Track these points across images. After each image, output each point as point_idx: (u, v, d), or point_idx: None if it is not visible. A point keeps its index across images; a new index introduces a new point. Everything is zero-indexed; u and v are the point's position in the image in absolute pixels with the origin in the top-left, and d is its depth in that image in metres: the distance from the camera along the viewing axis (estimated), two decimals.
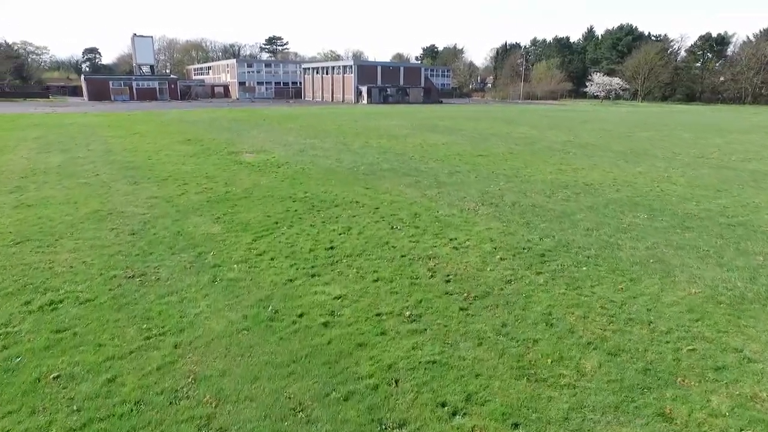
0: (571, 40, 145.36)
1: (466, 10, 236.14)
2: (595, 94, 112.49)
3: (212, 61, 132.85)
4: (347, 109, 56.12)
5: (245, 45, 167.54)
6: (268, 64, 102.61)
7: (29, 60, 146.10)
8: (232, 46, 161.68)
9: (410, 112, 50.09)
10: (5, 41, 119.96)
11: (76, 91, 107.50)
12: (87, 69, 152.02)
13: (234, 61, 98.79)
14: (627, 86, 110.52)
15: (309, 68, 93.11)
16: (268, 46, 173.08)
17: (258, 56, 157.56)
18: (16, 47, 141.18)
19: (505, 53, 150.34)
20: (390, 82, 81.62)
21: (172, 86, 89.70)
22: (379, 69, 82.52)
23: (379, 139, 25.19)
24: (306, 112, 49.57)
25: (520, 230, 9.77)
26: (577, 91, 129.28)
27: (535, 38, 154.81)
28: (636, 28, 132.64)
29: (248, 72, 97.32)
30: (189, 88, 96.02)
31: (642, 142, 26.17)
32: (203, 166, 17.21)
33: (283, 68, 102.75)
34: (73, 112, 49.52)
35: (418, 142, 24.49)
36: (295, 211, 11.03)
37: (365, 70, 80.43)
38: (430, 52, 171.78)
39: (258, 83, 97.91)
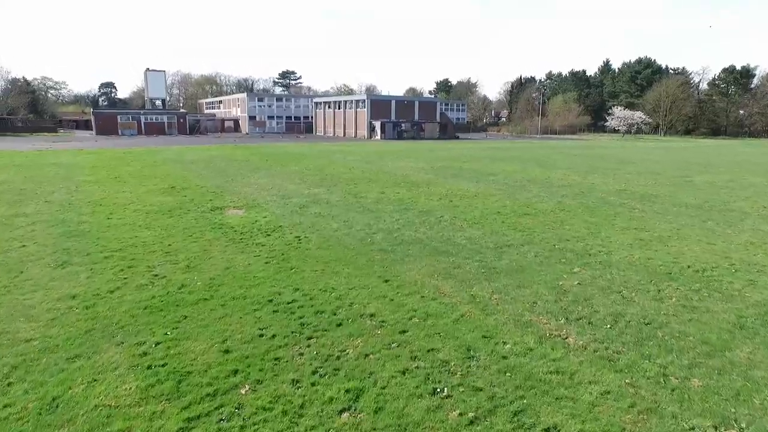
0: (588, 74, 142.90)
1: (480, 45, 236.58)
2: (616, 128, 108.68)
3: (226, 95, 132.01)
4: (360, 146, 52.62)
5: (258, 79, 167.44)
6: (279, 98, 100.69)
7: (48, 95, 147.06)
8: (245, 80, 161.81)
9: (428, 150, 46.35)
10: (23, 78, 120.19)
11: (87, 125, 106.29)
12: (103, 103, 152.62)
13: (244, 95, 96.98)
14: (649, 120, 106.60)
15: (320, 102, 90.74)
16: (281, 80, 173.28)
17: (271, 90, 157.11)
18: (36, 82, 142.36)
19: (520, 87, 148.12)
20: (404, 117, 78.59)
21: (181, 120, 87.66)
22: (393, 103, 79.69)
23: (397, 188, 21.19)
24: (315, 150, 46.07)
25: (664, 400, 5.49)
26: (596, 125, 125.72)
27: (550, 72, 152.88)
28: (654, 61, 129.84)
29: (258, 106, 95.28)
30: (198, 123, 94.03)
31: (710, 190, 21.87)
32: (171, 231, 13.24)
33: (295, 102, 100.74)
34: (69, 148, 46.58)
35: (444, 191, 20.45)
36: (273, 338, 6.87)
37: (379, 105, 77.62)
38: (444, 86, 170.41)
39: (269, 117, 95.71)
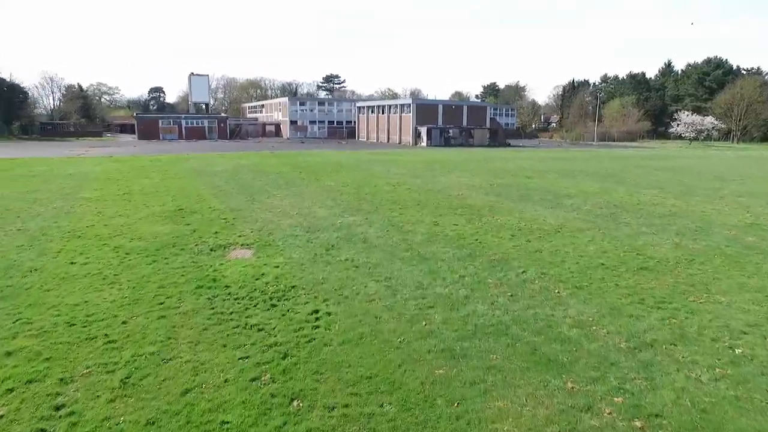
0: (647, 76, 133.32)
1: (529, 47, 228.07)
2: (682, 134, 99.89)
3: (269, 99, 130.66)
4: (404, 155, 48.29)
5: (303, 83, 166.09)
6: (321, 102, 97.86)
7: (101, 100, 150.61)
8: (290, 84, 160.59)
9: (481, 161, 41.49)
10: (78, 84, 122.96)
11: (133, 129, 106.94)
12: (152, 107, 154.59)
13: (286, 99, 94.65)
14: (721, 125, 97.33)
15: (364, 107, 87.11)
16: (325, 84, 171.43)
17: (315, 94, 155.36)
18: (91, 88, 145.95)
19: (572, 91, 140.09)
20: (452, 123, 73.78)
21: (221, 125, 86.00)
22: (440, 108, 75.03)
23: (454, 217, 16.69)
24: (355, 159, 42.05)
25: None
26: (656, 131, 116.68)
27: (605, 75, 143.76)
28: (726, 61, 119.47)
29: (300, 110, 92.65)
30: (238, 127, 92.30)
31: None
32: (141, 292, 9.30)
33: (337, 107, 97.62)
34: (102, 155, 44.47)
35: (515, 223, 15.82)
36: None
37: (425, 110, 73.15)
38: (491, 90, 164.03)
39: (310, 122, 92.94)
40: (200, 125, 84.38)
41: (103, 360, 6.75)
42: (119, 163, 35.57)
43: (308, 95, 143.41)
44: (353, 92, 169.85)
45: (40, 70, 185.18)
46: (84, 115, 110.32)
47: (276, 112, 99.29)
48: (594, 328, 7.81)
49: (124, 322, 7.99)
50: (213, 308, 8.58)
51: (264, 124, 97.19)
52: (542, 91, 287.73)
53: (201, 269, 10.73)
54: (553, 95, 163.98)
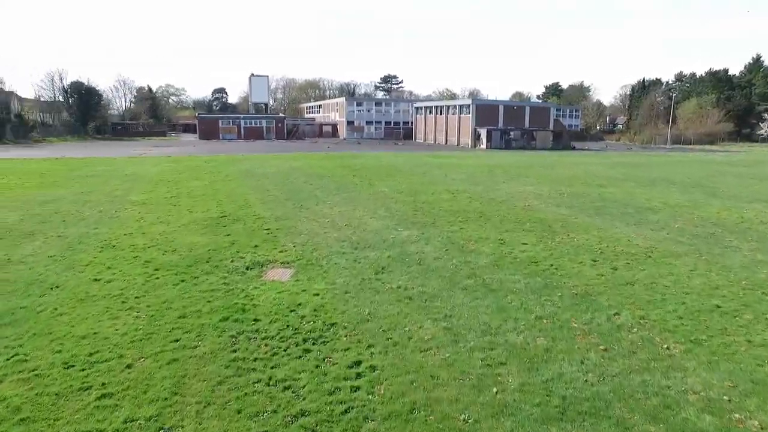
0: (730, 73, 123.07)
1: (595, 45, 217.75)
2: None
3: (327, 99, 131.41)
4: (464, 158, 46.05)
5: (360, 83, 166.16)
6: (378, 103, 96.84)
7: (169, 101, 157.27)
8: (348, 84, 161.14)
9: (547, 166, 38.65)
10: (148, 86, 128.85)
11: (195, 129, 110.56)
12: (216, 108, 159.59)
13: (343, 99, 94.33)
14: None
15: (421, 107, 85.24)
16: (382, 85, 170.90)
17: (372, 94, 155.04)
18: (160, 90, 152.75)
19: (642, 90, 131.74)
20: (513, 124, 70.57)
21: (279, 125, 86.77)
22: (500, 109, 71.99)
23: (523, 234, 14.61)
24: (412, 162, 40.31)
25: None
26: (740, 133, 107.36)
27: (680, 72, 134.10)
28: None
29: (357, 111, 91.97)
30: (296, 127, 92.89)
31: None
32: (158, 321, 8.02)
33: (395, 107, 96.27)
34: (161, 155, 45.17)
35: (595, 243, 13.56)
36: None
37: (484, 110, 70.38)
38: (554, 90, 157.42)
39: (367, 123, 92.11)
40: (258, 125, 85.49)
41: (89, 426, 5.38)
42: (175, 164, 35.65)
43: (365, 95, 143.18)
44: (411, 93, 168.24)
45: (115, 73, 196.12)
46: (152, 115, 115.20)
47: (333, 112, 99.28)
48: (736, 415, 5.68)
49: (128, 366, 6.66)
50: (235, 350, 7.12)
51: (321, 125, 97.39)
52: (608, 91, 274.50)
53: (231, 294, 9.35)
54: (620, 95, 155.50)
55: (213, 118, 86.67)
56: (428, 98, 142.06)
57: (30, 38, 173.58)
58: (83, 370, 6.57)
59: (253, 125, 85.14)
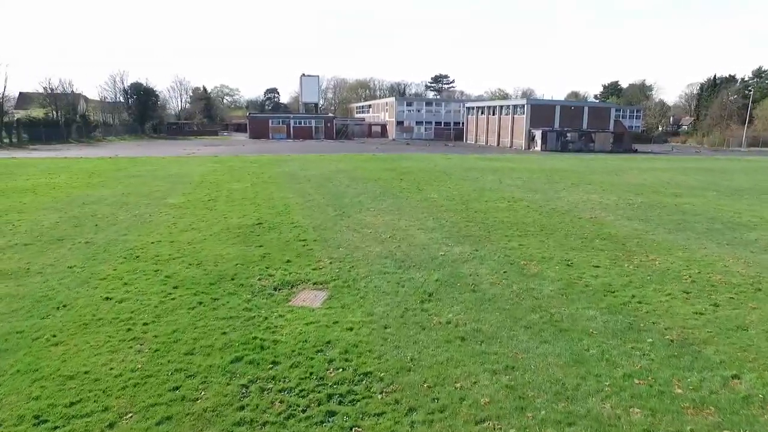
0: None
1: (657, 42, 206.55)
2: None
3: (378, 99, 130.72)
4: (519, 161, 43.59)
5: (411, 83, 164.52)
6: (428, 103, 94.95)
7: (224, 101, 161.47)
8: (398, 84, 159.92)
9: (610, 171, 35.75)
10: (203, 86, 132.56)
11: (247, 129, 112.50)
12: (268, 107, 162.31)
13: (393, 98, 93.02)
14: None
15: (473, 107, 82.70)
16: (433, 85, 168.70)
17: (423, 94, 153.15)
18: (215, 90, 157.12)
19: (713, 88, 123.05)
20: (570, 125, 66.99)
21: (328, 125, 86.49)
22: (557, 109, 68.52)
23: (593, 254, 12.59)
24: (464, 165, 38.35)
25: None
26: None
27: (759, 68, 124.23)
28: None
29: (407, 111, 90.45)
30: (345, 127, 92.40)
31: None
32: (161, 359, 6.76)
33: (445, 107, 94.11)
34: (208, 154, 45.25)
35: (682, 267, 11.37)
36: None
37: (540, 111, 67.13)
38: (612, 90, 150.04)
39: (417, 123, 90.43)
40: (307, 125, 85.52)
41: None
42: (220, 164, 35.30)
43: (416, 95, 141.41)
44: (462, 93, 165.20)
45: (172, 73, 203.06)
46: (206, 115, 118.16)
47: (382, 112, 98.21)
48: None
49: (110, 426, 5.37)
50: (242, 407, 5.72)
51: (370, 125, 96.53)
52: (672, 90, 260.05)
53: (251, 324, 8.01)
54: (686, 94, 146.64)
55: (263, 118, 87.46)
56: (479, 98, 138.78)
57: (97, 41, 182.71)
58: (55, 429, 5.32)
59: (303, 125, 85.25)
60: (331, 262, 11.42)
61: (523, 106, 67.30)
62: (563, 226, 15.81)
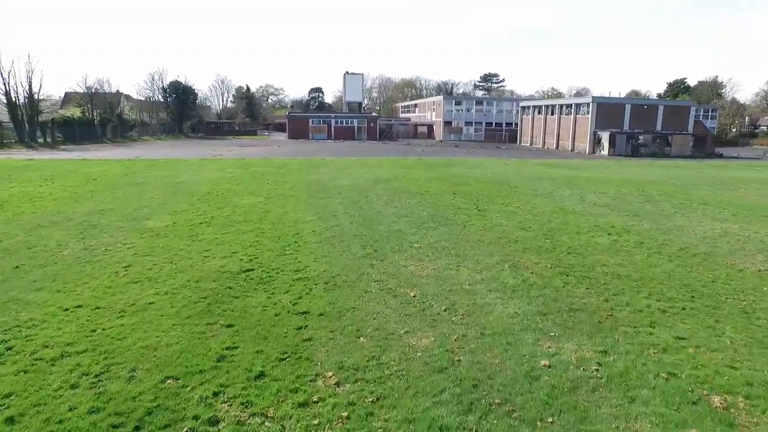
0: None
1: (734, 34, 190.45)
2: None
3: (423, 98, 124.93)
4: (590, 169, 36.93)
5: (459, 83, 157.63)
6: (479, 102, 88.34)
7: (268, 100, 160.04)
8: (445, 83, 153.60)
9: (717, 184, 28.73)
10: (246, 85, 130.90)
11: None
12: (312, 107, 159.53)
13: (440, 97, 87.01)
14: None
15: (528, 106, 75.66)
16: (482, 84, 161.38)
17: (471, 94, 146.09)
18: (260, 90, 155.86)
19: None
20: (641, 126, 59.18)
21: (371, 125, 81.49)
22: (627, 108, 60.74)
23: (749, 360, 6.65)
24: (527, 173, 32.22)
25: None
26: None
27: None
28: None
29: (455, 110, 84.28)
30: (389, 127, 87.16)
31: None
32: None
33: (497, 106, 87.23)
34: (234, 157, 40.97)
35: None
36: None
37: (607, 110, 59.59)
38: (679, 88, 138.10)
39: (466, 123, 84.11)
40: (349, 125, 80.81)
41: None
42: (242, 169, 30.66)
43: (464, 95, 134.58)
44: (512, 92, 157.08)
45: (214, 72, 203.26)
46: (248, 114, 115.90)
47: (429, 111, 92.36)
48: None
49: None
50: None
51: (416, 125, 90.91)
52: (747, 88, 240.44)
53: None
54: (765, 92, 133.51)
55: (303, 117, 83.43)
56: (531, 98, 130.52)
57: (136, 39, 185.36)
58: None
59: (344, 125, 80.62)
60: (337, 383, 6.04)
61: (588, 104, 59.95)
62: (723, 287, 9.81)
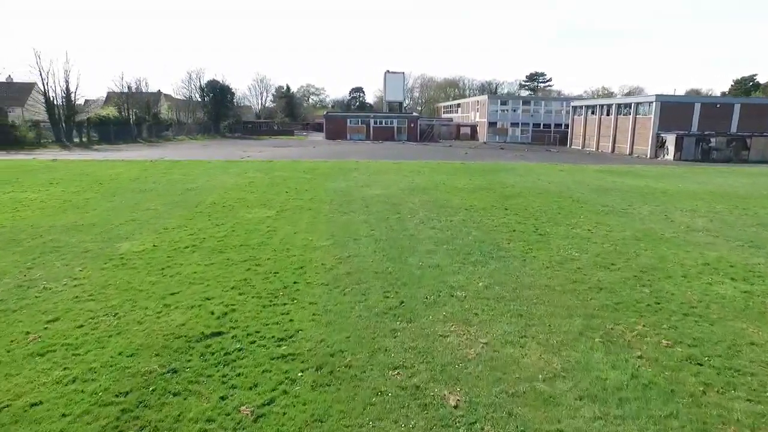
0: None
1: None
2: None
3: (466, 98, 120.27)
4: (662, 178, 32.11)
5: (503, 82, 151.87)
6: (526, 102, 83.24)
7: (309, 100, 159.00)
8: (489, 83, 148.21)
9: None
10: (287, 85, 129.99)
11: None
12: (354, 107, 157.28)
13: (485, 97, 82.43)
14: None
15: (581, 106, 70.22)
16: (528, 83, 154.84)
17: (516, 93, 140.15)
18: (301, 90, 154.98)
19: None
20: (713, 128, 53.09)
21: (411, 125, 77.87)
22: (696, 108, 54.69)
23: None
24: (589, 182, 27.93)
25: None
26: None
27: None
28: None
29: (501, 110, 79.57)
30: (430, 128, 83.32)
31: None
32: None
33: (545, 106, 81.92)
34: (261, 159, 38.29)
35: None
36: None
37: (671, 110, 53.81)
38: (747, 85, 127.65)
39: (512, 124, 79.28)
40: (389, 125, 77.45)
41: None
42: (264, 173, 27.70)
43: (509, 95, 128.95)
44: (559, 92, 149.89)
45: (254, 71, 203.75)
46: (288, 113, 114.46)
47: (473, 111, 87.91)
48: None
49: None
50: None
51: (458, 126, 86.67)
52: None
53: None
54: None
55: (340, 117, 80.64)
56: (579, 98, 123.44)
57: (175, 39, 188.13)
58: None
59: (383, 125, 77.34)
60: None
61: (650, 104, 54.33)
62: None
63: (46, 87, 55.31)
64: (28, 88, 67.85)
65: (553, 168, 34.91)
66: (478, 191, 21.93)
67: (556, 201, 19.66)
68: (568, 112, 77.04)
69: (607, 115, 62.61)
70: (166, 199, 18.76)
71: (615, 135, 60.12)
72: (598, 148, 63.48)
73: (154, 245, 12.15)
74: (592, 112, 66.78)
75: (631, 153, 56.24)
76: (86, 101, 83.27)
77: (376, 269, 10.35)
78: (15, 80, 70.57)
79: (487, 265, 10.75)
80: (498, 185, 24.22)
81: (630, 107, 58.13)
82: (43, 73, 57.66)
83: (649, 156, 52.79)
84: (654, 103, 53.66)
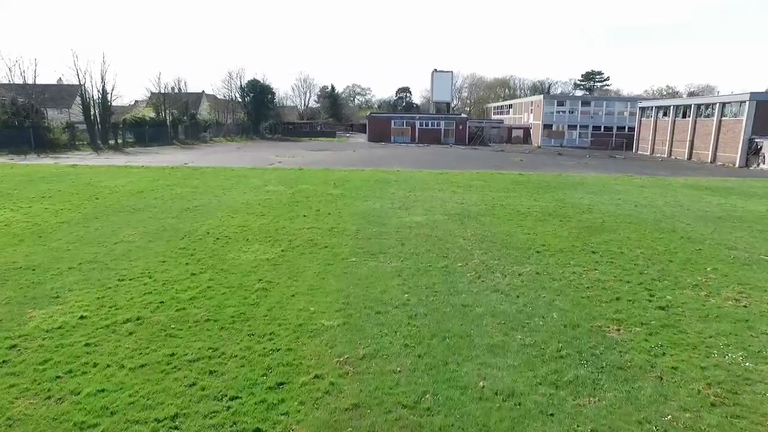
0: None
1: None
2: None
3: (517, 98, 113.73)
4: None
5: (556, 82, 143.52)
6: (585, 102, 76.41)
7: (355, 100, 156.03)
8: (541, 83, 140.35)
9: None
10: (331, 85, 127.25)
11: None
12: (400, 107, 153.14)
13: (540, 97, 76.22)
14: None
15: (650, 107, 63.13)
16: (583, 83, 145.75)
17: (570, 94, 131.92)
18: (347, 90, 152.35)
19: None
20: None
21: (460, 127, 72.81)
22: None
23: None
24: (686, 204, 22.44)
25: None
26: None
27: None
28: None
29: (557, 112, 73.26)
30: (480, 130, 77.88)
31: None
32: None
33: (606, 107, 74.89)
34: (293, 166, 34.59)
35: None
36: None
37: None
38: None
39: (569, 127, 72.85)
40: (435, 127, 72.68)
41: None
42: (285, 186, 23.74)
43: (566, 95, 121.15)
44: (618, 92, 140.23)
45: (297, 71, 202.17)
46: (332, 114, 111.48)
47: (525, 113, 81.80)
48: None
49: None
50: None
51: (510, 128, 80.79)
52: None
53: None
54: None
55: (384, 118, 76.45)
56: (642, 98, 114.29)
57: (215, 39, 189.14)
58: None
59: (430, 127, 72.65)
60: None
61: (740, 103, 47.14)
62: None
63: (82, 88, 54.04)
64: (73, 90, 67.48)
65: (630, 182, 29.30)
66: (548, 219, 17.08)
67: (658, 238, 14.58)
68: (632, 114, 69.96)
69: (683, 117, 55.52)
70: (153, 225, 15.05)
71: (693, 140, 53.07)
72: (670, 155, 56.48)
73: (81, 317, 8.24)
74: (664, 114, 59.69)
75: (713, 160, 49.21)
76: (136, 102, 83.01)
77: (405, 399, 5.96)
78: (64, 83, 70.47)
79: (596, 391, 6.15)
80: (570, 208, 19.26)
81: (713, 108, 50.99)
82: (80, 74, 56.60)
83: (737, 165, 45.73)
84: (747, 102, 46.39)
